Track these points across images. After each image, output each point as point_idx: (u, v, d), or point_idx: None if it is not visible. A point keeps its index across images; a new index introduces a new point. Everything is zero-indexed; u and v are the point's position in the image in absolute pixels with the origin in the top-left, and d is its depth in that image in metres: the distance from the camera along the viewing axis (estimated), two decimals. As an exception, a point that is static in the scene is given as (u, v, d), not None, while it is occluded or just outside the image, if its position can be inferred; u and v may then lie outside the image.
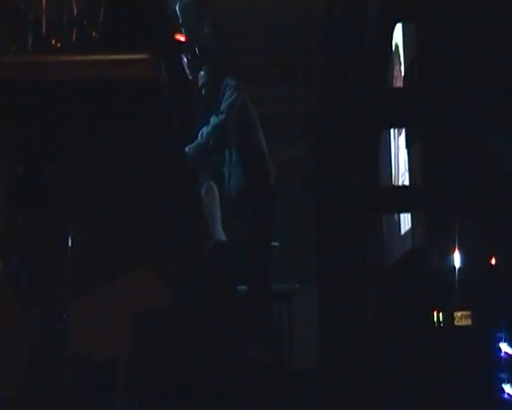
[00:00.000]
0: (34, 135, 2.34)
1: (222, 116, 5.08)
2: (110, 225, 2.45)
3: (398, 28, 5.44)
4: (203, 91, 5.26)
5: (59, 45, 2.14)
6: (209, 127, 5.10)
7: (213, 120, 5.16)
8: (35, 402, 2.12)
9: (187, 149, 4.88)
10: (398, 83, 5.78)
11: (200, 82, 5.27)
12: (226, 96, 5.10)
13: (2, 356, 2.13)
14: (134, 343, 2.50)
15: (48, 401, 2.12)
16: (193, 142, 5.08)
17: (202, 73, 5.27)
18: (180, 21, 5.08)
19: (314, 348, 5.14)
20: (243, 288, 5.20)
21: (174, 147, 2.97)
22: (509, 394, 3.90)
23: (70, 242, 2.28)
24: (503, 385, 3.93)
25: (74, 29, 2.17)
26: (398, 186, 5.63)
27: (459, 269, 4.14)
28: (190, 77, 5.27)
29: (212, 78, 5.22)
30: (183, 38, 5.08)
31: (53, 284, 2.25)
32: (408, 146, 5.58)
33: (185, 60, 5.17)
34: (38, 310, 2.23)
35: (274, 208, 5.27)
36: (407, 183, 5.60)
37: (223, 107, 5.08)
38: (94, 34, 2.20)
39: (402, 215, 5.74)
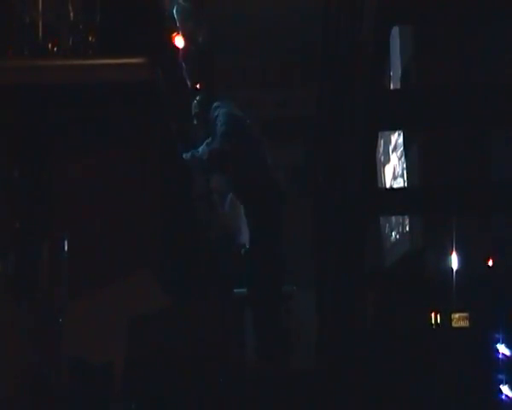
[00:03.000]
0: (32, 138, 2.35)
1: (216, 143, 4.93)
2: (107, 227, 2.46)
3: (395, 30, 5.45)
4: (195, 121, 5.15)
5: (55, 49, 2.14)
6: (205, 150, 4.94)
7: (209, 144, 5.00)
8: (32, 405, 2.12)
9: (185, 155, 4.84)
10: (395, 84, 5.78)
11: (193, 112, 5.16)
12: (219, 123, 4.97)
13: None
14: (131, 346, 2.51)
15: (45, 404, 2.12)
16: (190, 147, 5.03)
17: (195, 102, 5.16)
18: (177, 25, 5.08)
19: (312, 350, 5.15)
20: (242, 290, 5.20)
21: (171, 149, 2.98)
22: (506, 395, 3.91)
23: (67, 244, 2.28)
24: (501, 386, 3.94)
25: (71, 33, 2.17)
26: (396, 188, 5.64)
27: (457, 271, 4.15)
28: (188, 81, 5.26)
29: (204, 107, 5.11)
30: (180, 42, 5.07)
31: (50, 286, 2.25)
32: (406, 148, 5.59)
33: (183, 64, 5.16)
34: (35, 312, 2.24)
35: (281, 222, 5.19)
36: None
37: (218, 133, 4.94)
38: (90, 38, 2.20)
39: (400, 217, 5.75)
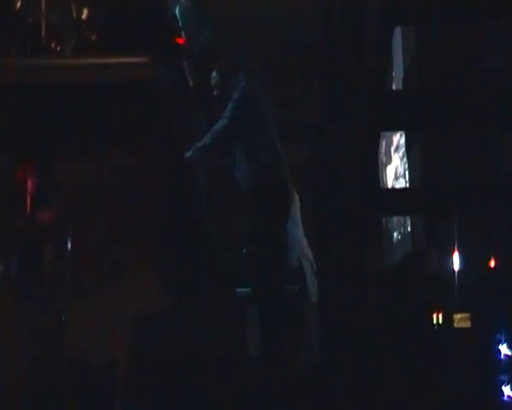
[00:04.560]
0: (34, 136, 2.35)
1: (224, 120, 4.95)
2: (109, 226, 2.46)
3: (397, 30, 5.45)
4: (215, 92, 5.16)
5: (58, 49, 2.14)
6: (211, 131, 5.00)
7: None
8: (33, 404, 2.13)
9: (189, 151, 4.82)
10: (397, 85, 5.79)
11: (213, 82, 5.18)
12: (233, 97, 4.98)
13: (1, 356, 2.13)
14: (133, 346, 2.51)
15: (46, 403, 2.12)
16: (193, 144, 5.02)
17: (214, 73, 5.18)
18: (180, 24, 5.07)
19: (313, 349, 5.15)
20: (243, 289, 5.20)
21: (173, 149, 2.98)
22: (508, 396, 3.90)
23: (69, 244, 2.28)
24: (503, 387, 3.93)
25: (73, 32, 2.17)
26: (398, 189, 5.64)
27: (458, 271, 4.14)
28: (190, 80, 5.26)
29: (223, 77, 5.11)
30: (182, 41, 5.07)
31: (52, 285, 2.26)
32: (407, 148, 5.59)
33: (185, 63, 5.16)
34: (37, 311, 2.24)
35: (287, 213, 5.11)
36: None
37: (227, 109, 4.95)
38: (93, 37, 2.20)
39: (401, 217, 5.75)
